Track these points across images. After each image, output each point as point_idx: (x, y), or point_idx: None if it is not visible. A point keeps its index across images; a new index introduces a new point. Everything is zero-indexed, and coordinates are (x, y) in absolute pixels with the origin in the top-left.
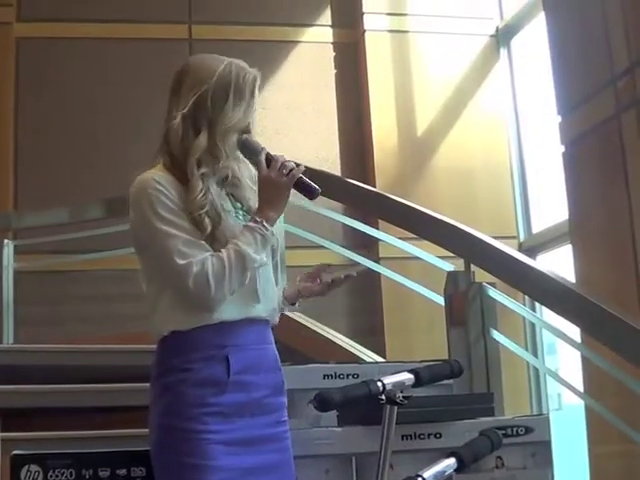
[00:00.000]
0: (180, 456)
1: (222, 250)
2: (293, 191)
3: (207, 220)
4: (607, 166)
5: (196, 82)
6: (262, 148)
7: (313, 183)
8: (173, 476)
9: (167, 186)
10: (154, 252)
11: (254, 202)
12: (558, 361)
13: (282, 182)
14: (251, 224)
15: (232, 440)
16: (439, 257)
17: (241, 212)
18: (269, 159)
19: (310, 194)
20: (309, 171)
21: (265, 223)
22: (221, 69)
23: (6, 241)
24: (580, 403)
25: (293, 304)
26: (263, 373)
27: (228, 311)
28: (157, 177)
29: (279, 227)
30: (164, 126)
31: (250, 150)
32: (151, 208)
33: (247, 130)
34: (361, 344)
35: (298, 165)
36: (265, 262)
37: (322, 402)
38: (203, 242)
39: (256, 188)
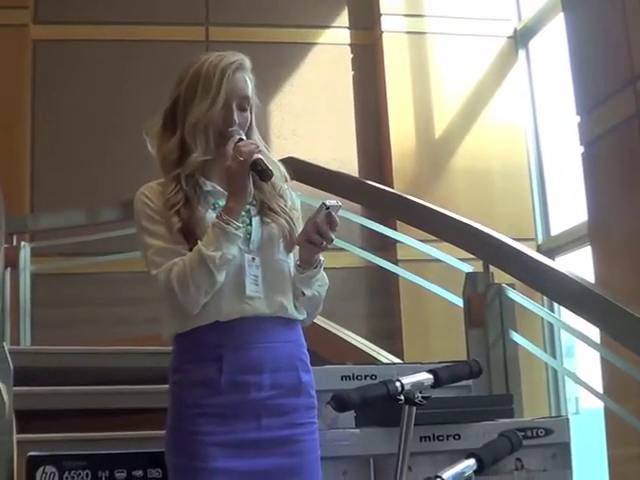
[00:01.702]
0: (178, 457)
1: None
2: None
3: (175, 218)
4: (626, 166)
5: (175, 85)
6: (239, 139)
7: (267, 165)
8: (173, 476)
9: (151, 197)
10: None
11: (269, 198)
12: (576, 364)
13: (236, 168)
14: (213, 220)
15: (230, 442)
16: (458, 259)
17: (248, 206)
18: None
19: (262, 177)
20: (327, 172)
21: (225, 216)
22: (196, 67)
23: (23, 243)
24: (597, 407)
25: (307, 267)
26: (268, 373)
27: (220, 311)
28: (146, 189)
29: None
30: None
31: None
32: (138, 222)
33: (229, 123)
34: (379, 346)
35: (256, 148)
36: (233, 257)
37: (340, 402)
38: (178, 247)
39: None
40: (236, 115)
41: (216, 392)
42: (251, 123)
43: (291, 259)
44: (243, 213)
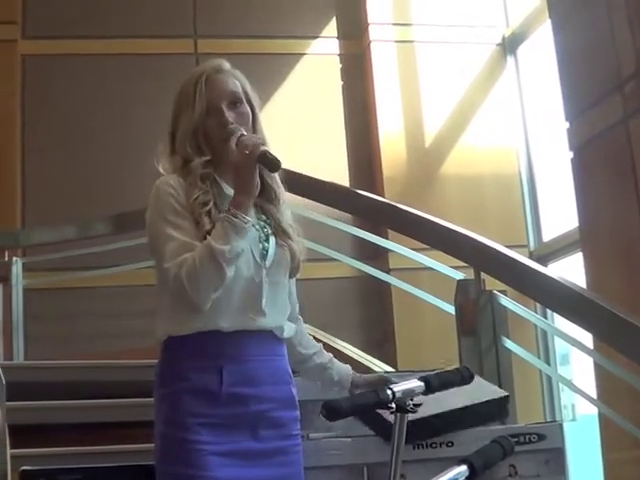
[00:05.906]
0: (176, 466)
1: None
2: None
3: (206, 219)
4: (616, 170)
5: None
6: (240, 135)
7: (275, 156)
8: None
9: (178, 188)
10: (156, 255)
11: (282, 217)
12: (572, 372)
13: (243, 161)
14: (220, 215)
15: (230, 452)
16: (450, 267)
17: (263, 223)
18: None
19: (270, 167)
20: (318, 182)
21: (234, 210)
22: (180, 86)
23: (15, 259)
24: (594, 413)
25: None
26: (267, 385)
27: (224, 320)
28: (172, 180)
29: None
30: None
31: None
32: (160, 212)
33: (224, 124)
34: (372, 355)
35: (260, 139)
36: (242, 251)
37: (331, 411)
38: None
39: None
40: (227, 114)
41: (216, 403)
42: (255, 116)
43: (292, 283)
44: (257, 228)
